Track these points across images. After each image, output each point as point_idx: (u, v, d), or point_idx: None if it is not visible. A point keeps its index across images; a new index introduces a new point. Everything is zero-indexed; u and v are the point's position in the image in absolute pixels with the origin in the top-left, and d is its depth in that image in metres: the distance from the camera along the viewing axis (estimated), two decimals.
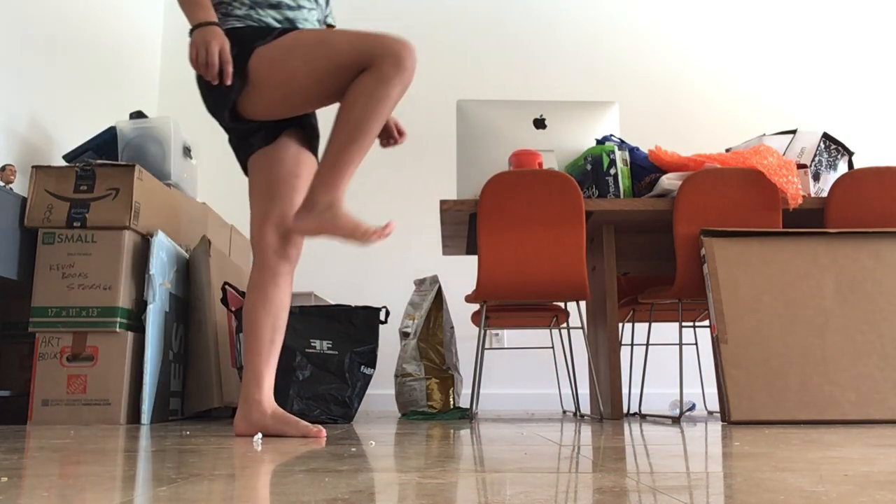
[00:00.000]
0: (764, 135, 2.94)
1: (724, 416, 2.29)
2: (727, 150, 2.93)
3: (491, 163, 2.82)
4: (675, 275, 2.60)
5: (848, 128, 4.51)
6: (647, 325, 3.26)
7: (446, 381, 3.02)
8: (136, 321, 2.56)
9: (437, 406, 2.96)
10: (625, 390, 3.74)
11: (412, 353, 3.05)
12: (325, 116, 2.01)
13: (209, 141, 4.34)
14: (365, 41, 1.68)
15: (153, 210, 2.72)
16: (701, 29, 4.65)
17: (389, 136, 2.05)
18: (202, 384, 2.78)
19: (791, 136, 2.90)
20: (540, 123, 2.90)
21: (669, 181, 2.63)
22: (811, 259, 2.44)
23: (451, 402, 3.00)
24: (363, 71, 1.69)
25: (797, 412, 2.22)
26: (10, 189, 2.53)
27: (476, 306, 3.35)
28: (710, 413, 3.26)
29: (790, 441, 1.52)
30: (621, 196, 2.68)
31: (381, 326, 2.68)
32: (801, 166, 2.77)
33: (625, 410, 3.26)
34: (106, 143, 3.05)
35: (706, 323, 3.22)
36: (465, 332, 3.90)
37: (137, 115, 3.18)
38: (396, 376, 3.09)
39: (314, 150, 1.99)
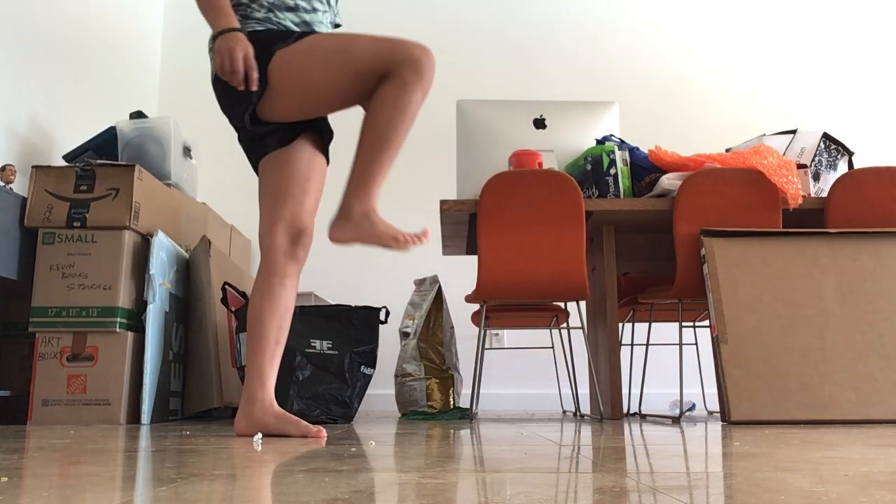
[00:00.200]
0: (764, 135, 2.94)
1: (724, 416, 2.29)
2: (727, 150, 2.93)
3: (491, 163, 2.82)
4: (675, 275, 2.60)
5: (848, 128, 4.51)
6: (647, 325, 3.26)
7: (446, 381, 3.02)
8: (136, 321, 2.56)
9: (437, 406, 2.96)
10: (625, 390, 3.74)
11: (412, 353, 3.05)
12: (337, 118, 2.02)
13: (209, 141, 4.34)
14: (384, 48, 1.70)
15: (153, 210, 2.72)
16: (701, 29, 4.65)
17: None
18: (202, 384, 2.78)
19: (791, 136, 2.90)
20: (540, 123, 2.90)
21: (669, 181, 2.63)
22: (811, 259, 2.44)
23: (451, 402, 3.00)
24: (383, 78, 1.71)
25: (797, 412, 2.22)
26: (10, 189, 2.53)
27: (476, 306, 3.35)
28: (710, 413, 3.26)
29: (790, 441, 1.52)
30: (621, 196, 2.68)
31: (381, 326, 2.68)
32: (801, 166, 2.77)
33: (625, 410, 3.26)
34: (106, 143, 3.05)
35: (706, 323, 3.22)
36: (465, 332, 3.90)
37: (137, 115, 3.18)
38: (396, 376, 3.09)
39: (327, 152, 1.99)
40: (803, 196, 2.64)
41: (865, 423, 2.19)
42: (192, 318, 2.87)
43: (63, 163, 3.04)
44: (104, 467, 1.07)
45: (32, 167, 2.58)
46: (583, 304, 3.42)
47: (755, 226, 2.58)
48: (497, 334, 4.14)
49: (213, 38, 1.84)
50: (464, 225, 2.85)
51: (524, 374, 4.15)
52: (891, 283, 2.40)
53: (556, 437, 1.70)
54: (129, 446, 1.47)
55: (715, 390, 3.55)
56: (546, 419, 2.69)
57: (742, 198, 2.59)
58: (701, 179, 2.59)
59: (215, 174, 4.29)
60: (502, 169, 2.80)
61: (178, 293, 2.81)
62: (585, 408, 3.82)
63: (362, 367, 2.60)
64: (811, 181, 2.83)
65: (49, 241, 2.51)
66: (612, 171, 2.69)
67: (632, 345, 3.27)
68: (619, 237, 2.96)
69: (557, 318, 3.07)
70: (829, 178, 2.84)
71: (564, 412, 3.40)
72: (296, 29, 1.85)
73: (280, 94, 1.77)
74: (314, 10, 1.90)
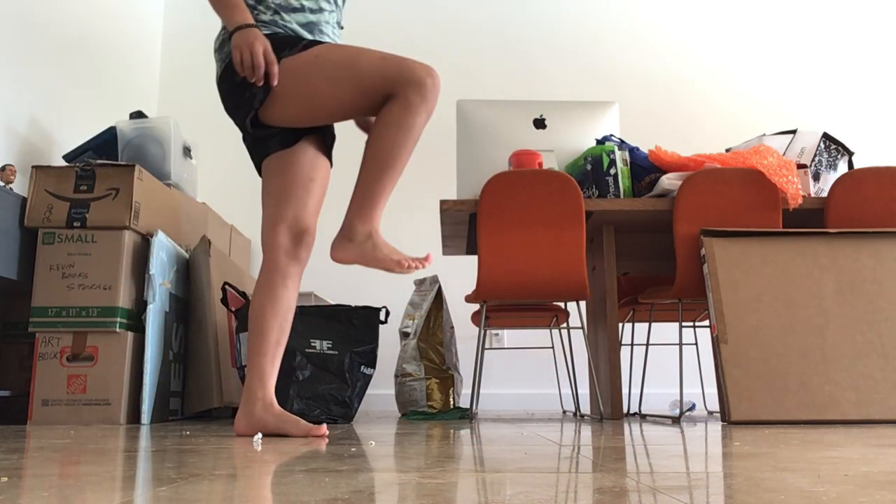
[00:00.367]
0: (764, 135, 2.94)
1: (724, 416, 2.29)
2: (727, 150, 2.93)
3: (491, 163, 2.82)
4: (675, 275, 2.60)
5: (848, 128, 4.51)
6: (647, 325, 3.26)
7: (446, 381, 3.02)
8: (136, 321, 2.56)
9: (437, 406, 2.96)
10: (625, 390, 3.74)
11: (412, 353, 3.05)
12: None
13: (209, 141, 4.34)
14: (390, 67, 1.70)
15: (153, 210, 2.72)
16: (701, 29, 4.65)
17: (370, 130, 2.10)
18: (202, 384, 2.78)
19: (791, 136, 2.90)
20: (540, 123, 2.90)
21: (669, 181, 2.63)
22: (811, 259, 2.44)
23: (451, 402, 3.00)
24: (387, 97, 1.72)
25: (797, 412, 2.22)
26: (10, 189, 2.53)
27: (476, 306, 3.35)
28: (710, 413, 3.26)
29: (790, 441, 1.52)
30: (621, 196, 2.68)
31: (381, 326, 2.67)
32: (801, 166, 2.77)
33: (625, 410, 3.27)
34: (106, 143, 3.05)
35: (706, 323, 3.22)
36: (465, 332, 3.90)
37: (137, 115, 3.18)
38: (396, 376, 3.09)
39: (329, 154, 1.99)
40: (803, 196, 2.64)
41: (865, 423, 2.19)
42: (192, 318, 2.87)
43: (63, 163, 3.04)
44: (104, 467, 1.07)
45: (32, 167, 2.58)
46: (583, 304, 3.42)
47: (755, 226, 2.58)
48: (497, 334, 4.14)
49: (220, 40, 1.84)
50: (464, 225, 2.85)
51: (524, 374, 4.15)
52: (891, 283, 2.40)
53: (556, 437, 1.70)
54: (129, 446, 1.47)
55: (715, 390, 3.55)
56: (546, 419, 2.69)
57: (742, 198, 2.59)
58: (701, 179, 2.59)
59: (215, 174, 4.29)
60: (502, 169, 2.80)
61: (178, 293, 2.81)
62: (585, 408, 3.82)
63: (362, 367, 2.60)
64: (811, 181, 2.83)
65: (49, 241, 2.51)
66: (612, 171, 2.69)
67: (632, 345, 3.27)
68: (619, 237, 2.96)
69: (557, 318, 3.07)
70: (829, 178, 2.84)
71: (564, 412, 3.40)
72: (301, 31, 1.85)
73: (282, 101, 1.77)
74: (321, 9, 1.90)
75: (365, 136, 2.19)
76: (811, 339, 2.33)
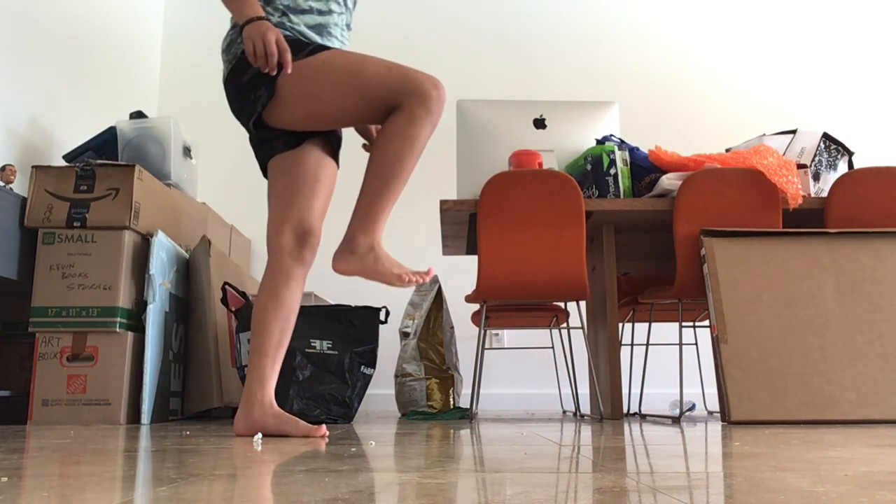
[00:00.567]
0: (764, 135, 2.94)
1: (724, 416, 2.29)
2: (727, 150, 2.93)
3: (491, 163, 2.82)
4: (675, 275, 2.60)
5: (848, 128, 4.51)
6: (647, 325, 3.26)
7: (446, 381, 3.02)
8: (136, 321, 2.56)
9: (437, 406, 2.96)
10: (625, 390, 3.74)
11: (412, 353, 3.05)
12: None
13: (209, 141, 4.34)
14: (395, 77, 1.69)
15: (153, 210, 2.72)
16: (701, 29, 4.65)
17: (368, 136, 2.11)
18: (202, 384, 2.78)
19: (791, 136, 2.90)
20: (540, 123, 2.90)
21: (669, 181, 2.63)
22: (811, 259, 2.44)
23: (451, 402, 3.00)
24: (392, 108, 1.71)
25: (797, 412, 2.22)
26: (10, 189, 2.53)
27: (476, 306, 3.35)
28: (710, 413, 3.26)
29: (790, 441, 1.52)
30: (621, 196, 2.68)
31: (381, 326, 2.67)
32: (801, 166, 2.77)
33: (625, 410, 3.26)
34: (106, 143, 3.05)
35: (706, 323, 3.22)
36: (465, 332, 3.90)
37: (137, 115, 3.18)
38: (396, 376, 3.09)
39: (336, 156, 1.98)
40: (803, 196, 2.64)
41: (865, 423, 2.19)
42: (192, 318, 2.87)
43: (63, 163, 3.04)
44: (104, 467, 1.07)
45: (32, 167, 2.58)
46: (583, 304, 3.42)
47: (755, 226, 2.58)
48: (497, 334, 4.14)
49: (227, 41, 1.84)
50: (464, 225, 2.85)
51: (524, 374, 4.15)
52: (891, 283, 2.40)
53: (556, 437, 1.70)
54: (129, 446, 1.47)
55: (715, 390, 3.55)
56: (546, 419, 2.69)
57: (742, 198, 2.59)
58: (701, 179, 2.59)
59: (215, 174, 4.29)
60: (502, 169, 2.80)
61: (178, 293, 2.81)
62: (585, 408, 3.82)
63: (362, 367, 2.60)
64: (811, 181, 2.83)
65: (49, 241, 2.51)
66: (612, 171, 2.69)
67: (632, 345, 3.27)
68: (619, 237, 2.96)
69: (557, 318, 3.07)
70: (829, 178, 2.84)
71: (564, 412, 3.40)
72: (309, 32, 1.85)
73: (286, 104, 1.77)
74: (330, 11, 1.89)
75: (362, 140, 2.19)
76: (811, 339, 2.33)
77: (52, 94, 3.24)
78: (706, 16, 4.67)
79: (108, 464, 1.12)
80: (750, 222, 2.58)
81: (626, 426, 2.14)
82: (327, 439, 1.66)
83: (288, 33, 1.82)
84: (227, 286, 2.68)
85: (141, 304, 2.58)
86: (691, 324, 3.29)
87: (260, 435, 1.73)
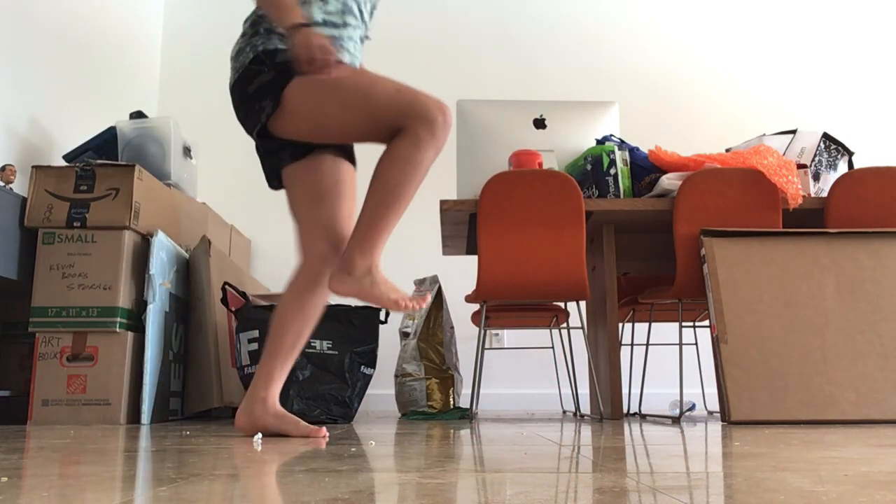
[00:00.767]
0: (764, 135, 2.94)
1: (724, 416, 2.29)
2: (727, 150, 2.93)
3: (491, 163, 2.82)
4: (675, 275, 2.60)
5: (848, 128, 4.51)
6: (647, 325, 3.26)
7: (446, 381, 3.02)
8: (136, 321, 2.56)
9: (437, 406, 2.96)
10: (625, 390, 3.74)
11: (412, 353, 3.05)
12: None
13: (209, 141, 4.34)
14: (403, 100, 1.67)
15: (153, 210, 2.72)
16: (701, 29, 4.65)
17: None
18: (202, 384, 2.78)
19: (791, 136, 2.90)
20: (540, 123, 2.90)
21: (669, 181, 2.63)
22: (811, 259, 2.44)
23: (451, 402, 3.00)
24: (398, 130, 1.69)
25: (797, 412, 2.22)
26: (10, 189, 2.53)
27: (476, 306, 3.35)
28: (710, 413, 3.26)
29: (790, 441, 1.52)
30: (621, 196, 2.68)
31: (381, 326, 2.67)
32: (801, 166, 2.77)
33: (625, 410, 3.26)
34: (106, 143, 3.05)
35: (706, 323, 3.22)
36: (465, 332, 3.90)
37: (137, 115, 3.18)
38: (396, 376, 3.09)
39: (351, 157, 1.94)
40: (803, 196, 2.64)
41: (865, 423, 2.19)
42: (192, 318, 2.87)
43: (63, 163, 3.03)
44: (104, 467, 1.07)
45: (32, 167, 2.58)
46: (583, 304, 3.42)
47: (755, 226, 2.58)
48: (497, 334, 4.14)
49: (237, 48, 1.81)
50: (464, 225, 2.85)
51: (524, 374, 4.15)
52: (891, 283, 2.40)
53: (556, 437, 1.70)
54: (129, 446, 1.47)
55: (715, 390, 3.55)
56: (546, 419, 2.69)
57: (742, 198, 2.59)
58: (701, 179, 2.59)
59: (215, 174, 4.29)
60: (502, 169, 2.80)
61: (178, 293, 2.81)
62: (585, 408, 3.82)
63: (362, 367, 2.60)
64: (811, 181, 2.83)
65: (49, 241, 2.51)
66: (612, 171, 2.69)
67: (632, 345, 3.27)
68: (619, 237, 2.96)
69: (557, 318, 3.07)
70: (829, 178, 2.84)
71: (564, 412, 3.40)
72: None
73: (292, 117, 1.74)
74: (345, 24, 1.86)
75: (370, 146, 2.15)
76: (811, 339, 2.33)
77: (52, 94, 3.24)
78: (706, 16, 4.67)
79: (108, 464, 1.12)
80: (750, 222, 2.58)
81: (626, 426, 2.14)
82: (327, 439, 1.66)
83: None
84: (227, 286, 2.68)
85: (141, 304, 2.58)
86: (691, 324, 3.29)
87: (260, 435, 1.73)
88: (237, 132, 4.37)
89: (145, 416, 2.47)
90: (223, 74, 4.49)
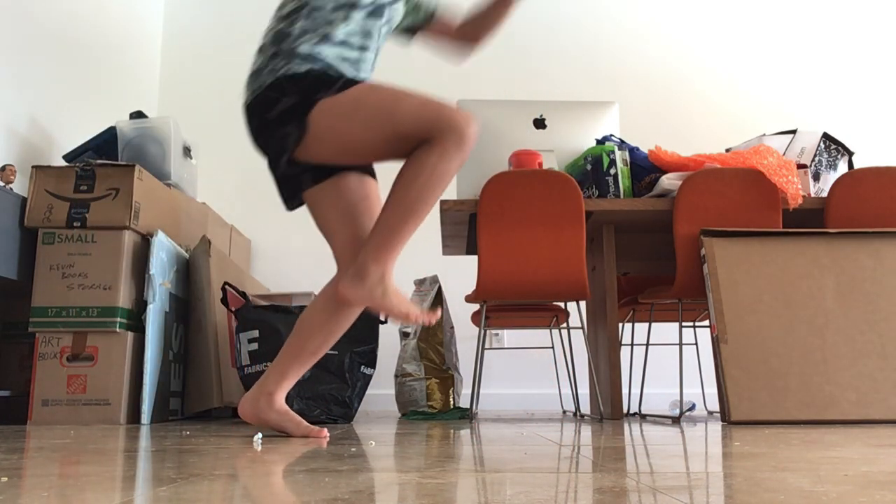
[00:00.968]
0: (764, 135, 2.94)
1: (724, 416, 2.29)
2: (727, 150, 2.93)
3: (491, 163, 2.82)
4: (675, 275, 2.60)
5: (848, 128, 4.51)
6: (647, 325, 3.26)
7: (446, 381, 3.02)
8: (136, 321, 2.56)
9: (437, 406, 2.96)
10: (625, 390, 3.74)
11: (412, 353, 3.05)
12: None
13: (209, 141, 4.34)
14: (430, 113, 1.64)
15: (153, 210, 2.72)
16: (701, 29, 4.65)
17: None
18: (202, 384, 2.78)
19: (791, 136, 2.90)
20: (540, 123, 2.90)
21: (669, 181, 2.63)
22: (811, 259, 2.44)
23: (451, 402, 3.00)
24: (424, 142, 1.66)
25: (797, 412, 2.22)
26: (10, 189, 2.53)
27: (476, 306, 3.35)
28: (710, 413, 3.26)
29: (790, 441, 1.52)
30: (621, 196, 2.68)
31: (381, 326, 2.67)
32: (801, 166, 2.77)
33: (625, 410, 3.26)
34: (106, 143, 3.05)
35: (706, 323, 3.22)
36: (465, 332, 3.90)
37: (137, 115, 3.18)
38: (396, 376, 3.09)
39: (372, 172, 1.92)
40: (803, 196, 2.64)
41: (865, 423, 2.19)
42: (192, 318, 2.87)
43: (63, 163, 3.03)
44: (104, 467, 1.07)
45: (32, 167, 2.58)
46: (583, 304, 3.42)
47: (755, 226, 2.58)
48: (497, 334, 4.14)
49: (255, 68, 1.77)
50: (464, 225, 2.85)
51: (524, 374, 4.15)
52: (891, 283, 2.40)
53: (556, 437, 1.70)
54: (129, 446, 1.47)
55: (715, 390, 3.55)
56: (546, 419, 2.69)
57: (742, 198, 2.59)
58: (701, 179, 2.59)
59: (215, 174, 4.29)
60: (502, 169, 2.80)
61: (178, 293, 2.81)
62: (585, 408, 3.82)
63: (362, 367, 2.60)
64: (811, 181, 2.83)
65: (49, 241, 2.51)
66: (612, 171, 2.69)
67: (632, 345, 3.27)
68: (619, 237, 2.96)
69: (557, 318, 3.07)
70: (829, 178, 2.84)
71: (564, 412, 3.40)
72: (341, 65, 1.77)
73: (317, 142, 1.71)
74: (364, 48, 1.83)
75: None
76: (811, 339, 2.33)
77: (52, 94, 3.24)
78: (706, 16, 4.67)
79: (108, 464, 1.12)
80: (750, 222, 2.58)
81: (626, 426, 2.14)
82: (328, 440, 1.66)
83: (317, 66, 1.73)
84: (227, 286, 2.68)
85: (141, 304, 2.58)
86: (691, 324, 3.29)
87: (260, 435, 1.73)
88: (237, 132, 4.37)
89: (145, 416, 2.47)
90: (223, 74, 4.49)
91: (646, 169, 2.75)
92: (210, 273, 2.87)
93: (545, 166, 2.77)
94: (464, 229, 2.90)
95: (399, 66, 4.42)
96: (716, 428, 2.07)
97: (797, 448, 1.35)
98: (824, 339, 2.33)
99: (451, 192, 4.20)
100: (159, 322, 2.60)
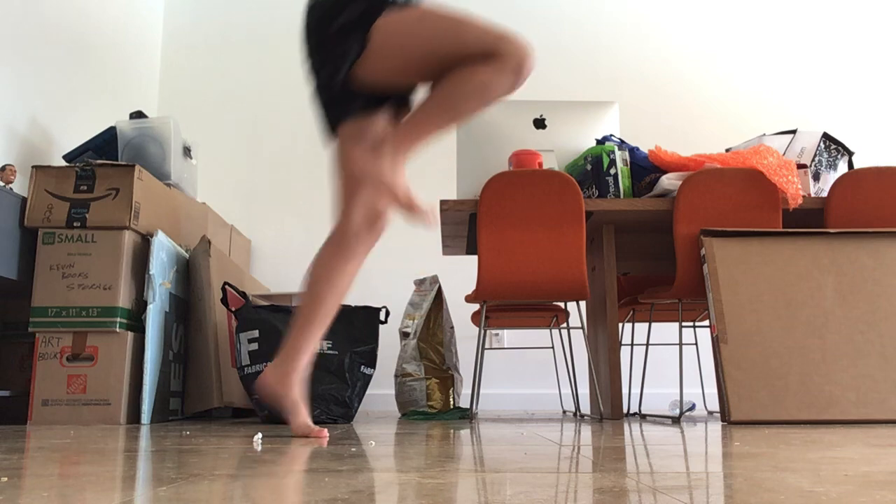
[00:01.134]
0: (764, 135, 2.94)
1: (724, 416, 2.29)
2: (727, 150, 2.93)
3: (491, 163, 2.82)
4: (675, 275, 2.60)
5: (848, 128, 4.51)
6: (647, 325, 3.26)
7: (446, 381, 3.02)
8: (136, 321, 2.56)
9: (437, 406, 2.96)
10: (625, 390, 3.74)
11: (412, 353, 3.05)
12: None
13: (209, 141, 4.34)
14: (494, 33, 1.60)
15: (153, 210, 2.72)
16: (701, 29, 4.65)
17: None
18: (202, 384, 2.78)
19: (791, 136, 2.90)
20: (540, 123, 2.90)
21: (669, 181, 2.63)
22: (811, 259, 2.44)
23: (451, 402, 3.00)
24: (484, 57, 1.60)
25: (797, 412, 2.22)
26: (10, 189, 2.53)
27: (476, 306, 3.35)
28: (710, 413, 3.26)
29: (790, 441, 1.52)
30: (621, 196, 2.68)
31: (381, 326, 2.67)
32: (801, 166, 2.77)
33: (625, 410, 3.26)
34: (106, 143, 3.05)
35: (706, 323, 3.22)
36: (465, 332, 3.89)
37: (137, 115, 3.18)
38: (396, 376, 3.09)
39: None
40: (803, 196, 2.64)
41: (865, 423, 2.19)
42: (192, 318, 2.87)
43: (63, 163, 3.04)
44: (104, 467, 1.07)
45: (32, 167, 2.58)
46: (583, 304, 3.42)
47: (755, 226, 2.58)
48: (497, 334, 4.14)
49: None
50: (464, 225, 2.85)
51: (524, 374, 4.15)
52: (891, 283, 2.40)
53: (556, 437, 1.70)
54: (129, 446, 1.47)
55: (715, 390, 3.54)
56: (546, 419, 2.69)
57: (742, 198, 2.59)
58: (701, 179, 2.59)
59: (215, 174, 4.29)
60: (502, 169, 2.80)
61: (178, 293, 2.81)
62: (585, 408, 3.82)
63: (362, 367, 2.60)
64: (811, 181, 2.83)
65: (49, 241, 2.51)
66: (612, 171, 2.69)
67: (632, 345, 3.27)
68: (619, 237, 2.96)
69: (557, 318, 3.07)
70: (829, 178, 2.84)
71: (564, 412, 3.40)
72: None
73: (376, 57, 1.65)
74: None
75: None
76: (811, 339, 2.33)
77: (52, 94, 3.24)
78: (706, 16, 4.67)
79: (108, 464, 1.12)
80: (750, 222, 2.58)
81: (626, 426, 2.14)
82: (328, 439, 1.66)
83: None
84: (227, 286, 2.68)
85: (141, 304, 2.58)
86: (691, 324, 3.29)
87: (260, 435, 1.73)
88: (237, 132, 4.37)
89: (145, 416, 2.47)
90: (223, 74, 4.49)
91: (646, 169, 2.75)
92: (210, 273, 2.87)
93: (545, 166, 2.77)
94: (464, 229, 2.90)
95: None
96: (716, 428, 2.07)
97: (797, 448, 1.35)
98: (824, 339, 2.33)
99: (451, 192, 4.20)
100: (159, 322, 2.60)
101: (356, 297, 4.13)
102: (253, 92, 4.48)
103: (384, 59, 1.66)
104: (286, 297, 3.41)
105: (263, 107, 4.46)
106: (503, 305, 2.89)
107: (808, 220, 2.76)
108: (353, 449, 1.38)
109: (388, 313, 2.69)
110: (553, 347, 3.41)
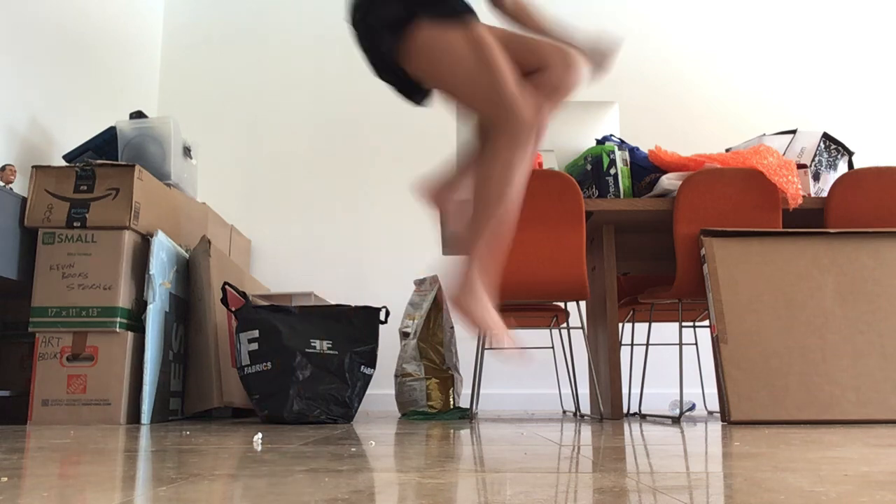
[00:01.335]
0: (764, 135, 2.94)
1: (724, 416, 2.29)
2: (727, 150, 2.93)
3: None
4: (675, 275, 2.60)
5: (848, 128, 4.51)
6: (647, 325, 3.26)
7: (446, 381, 3.02)
8: (136, 321, 2.56)
9: (437, 406, 2.96)
10: (625, 390, 3.74)
11: (412, 353, 3.04)
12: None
13: (209, 141, 4.34)
14: (494, 99, 1.62)
15: (153, 210, 2.72)
16: (701, 29, 4.65)
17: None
18: (202, 384, 2.78)
19: (791, 136, 2.90)
20: None
21: (669, 181, 2.63)
22: (811, 259, 2.44)
23: (451, 402, 3.00)
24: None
25: (797, 412, 2.22)
26: (10, 189, 2.53)
27: None
28: (710, 413, 3.26)
29: (790, 441, 1.52)
30: (621, 196, 2.68)
31: (381, 326, 2.67)
32: (801, 166, 2.77)
33: (625, 410, 3.26)
34: (106, 143, 3.05)
35: (706, 323, 3.22)
36: (464, 331, 3.89)
37: (137, 115, 3.18)
38: (396, 376, 3.09)
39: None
40: (803, 196, 2.64)
41: (865, 423, 2.19)
42: (192, 318, 2.87)
43: (63, 163, 3.04)
44: (104, 467, 1.07)
45: (32, 167, 2.58)
46: (583, 304, 3.42)
47: (755, 226, 2.58)
48: None
49: None
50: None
51: (524, 374, 4.15)
52: (891, 283, 2.40)
53: (556, 437, 1.70)
54: (129, 446, 1.47)
55: (715, 390, 3.54)
56: (546, 419, 2.69)
57: (742, 198, 2.59)
58: (701, 179, 2.59)
59: (215, 174, 4.29)
60: None
61: (178, 293, 2.81)
62: (585, 408, 3.82)
63: (362, 367, 2.60)
64: (811, 181, 2.82)
65: (49, 241, 2.51)
66: (612, 171, 2.69)
67: (632, 345, 3.27)
68: (619, 237, 2.96)
69: (557, 318, 3.07)
70: (829, 178, 2.84)
71: (564, 412, 3.40)
72: None
73: (418, 58, 1.70)
74: None
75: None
76: (811, 339, 2.33)
77: (52, 94, 3.24)
78: (706, 16, 4.67)
79: (108, 464, 1.12)
80: (750, 222, 2.58)
81: (626, 426, 2.14)
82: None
83: None
84: (227, 286, 2.68)
85: (141, 304, 2.58)
86: (691, 324, 3.29)
87: (260, 435, 1.73)
88: (237, 132, 4.37)
89: (145, 416, 2.46)
90: (223, 74, 4.49)
91: (646, 169, 2.75)
92: (210, 273, 2.87)
93: (545, 166, 2.77)
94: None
95: None
96: (716, 428, 2.07)
97: (797, 448, 1.35)
98: (824, 339, 2.33)
99: None
100: (159, 322, 2.60)
101: (356, 297, 4.13)
102: (253, 92, 4.48)
103: (422, 63, 1.71)
104: (286, 297, 3.41)
105: (263, 107, 4.46)
106: (503, 305, 2.89)
107: (808, 220, 2.76)
108: (353, 449, 1.38)
109: (388, 313, 2.69)
110: (553, 347, 3.41)
